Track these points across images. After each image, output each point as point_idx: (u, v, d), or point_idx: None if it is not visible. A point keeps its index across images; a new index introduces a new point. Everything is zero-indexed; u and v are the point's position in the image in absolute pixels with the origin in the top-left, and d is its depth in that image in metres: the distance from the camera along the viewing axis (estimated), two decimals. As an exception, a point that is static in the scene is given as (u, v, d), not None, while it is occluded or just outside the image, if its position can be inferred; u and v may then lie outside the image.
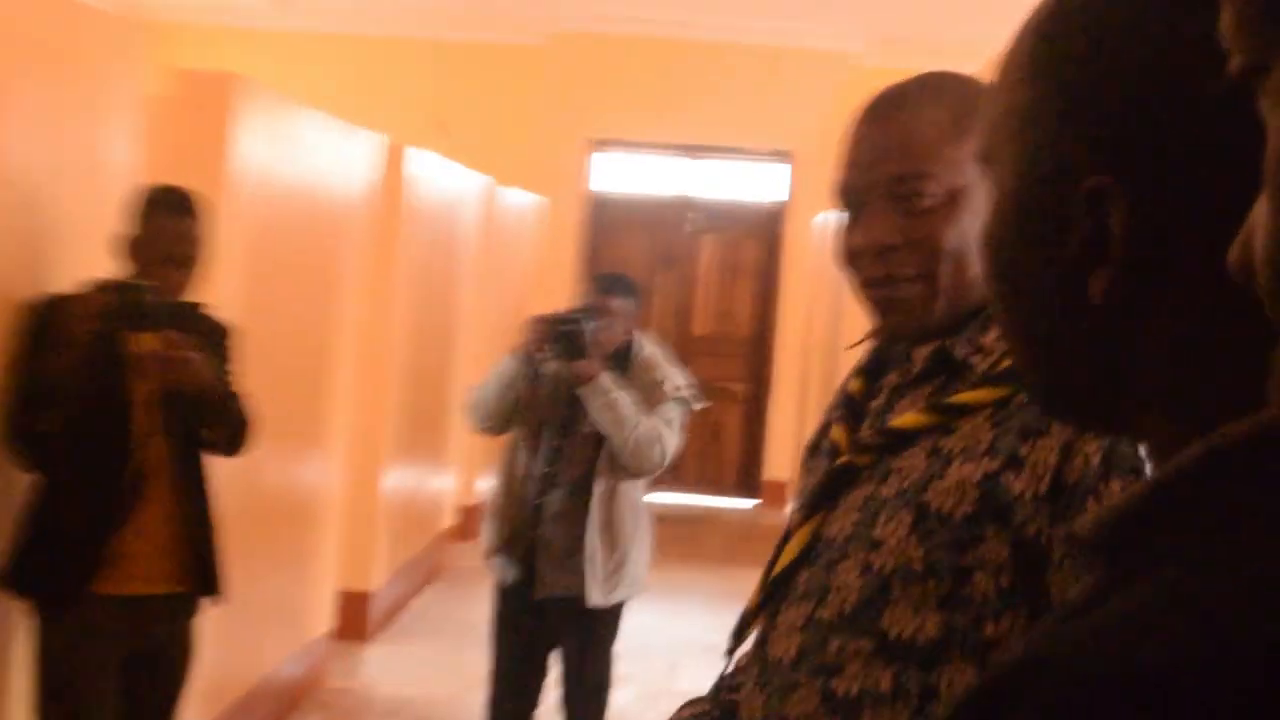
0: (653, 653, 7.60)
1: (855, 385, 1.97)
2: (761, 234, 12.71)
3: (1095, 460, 1.63)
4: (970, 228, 1.79)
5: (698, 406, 5.22)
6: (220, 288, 4.96)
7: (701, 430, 12.30)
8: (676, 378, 5.11)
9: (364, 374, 7.25)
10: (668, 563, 8.69)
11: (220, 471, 4.44)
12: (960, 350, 1.81)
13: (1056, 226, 0.90)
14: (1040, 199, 0.92)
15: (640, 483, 5.10)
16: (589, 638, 5.06)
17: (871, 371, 1.97)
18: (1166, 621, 0.71)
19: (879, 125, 1.84)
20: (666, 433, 4.98)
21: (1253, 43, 0.72)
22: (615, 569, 4.98)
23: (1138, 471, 1.62)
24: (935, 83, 1.86)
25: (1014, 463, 1.68)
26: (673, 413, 5.05)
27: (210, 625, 4.48)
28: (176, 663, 4.22)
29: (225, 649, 5.34)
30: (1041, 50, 0.94)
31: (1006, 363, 1.76)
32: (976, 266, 1.78)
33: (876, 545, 1.74)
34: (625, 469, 4.98)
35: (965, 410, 1.75)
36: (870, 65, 12.36)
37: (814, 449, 2.02)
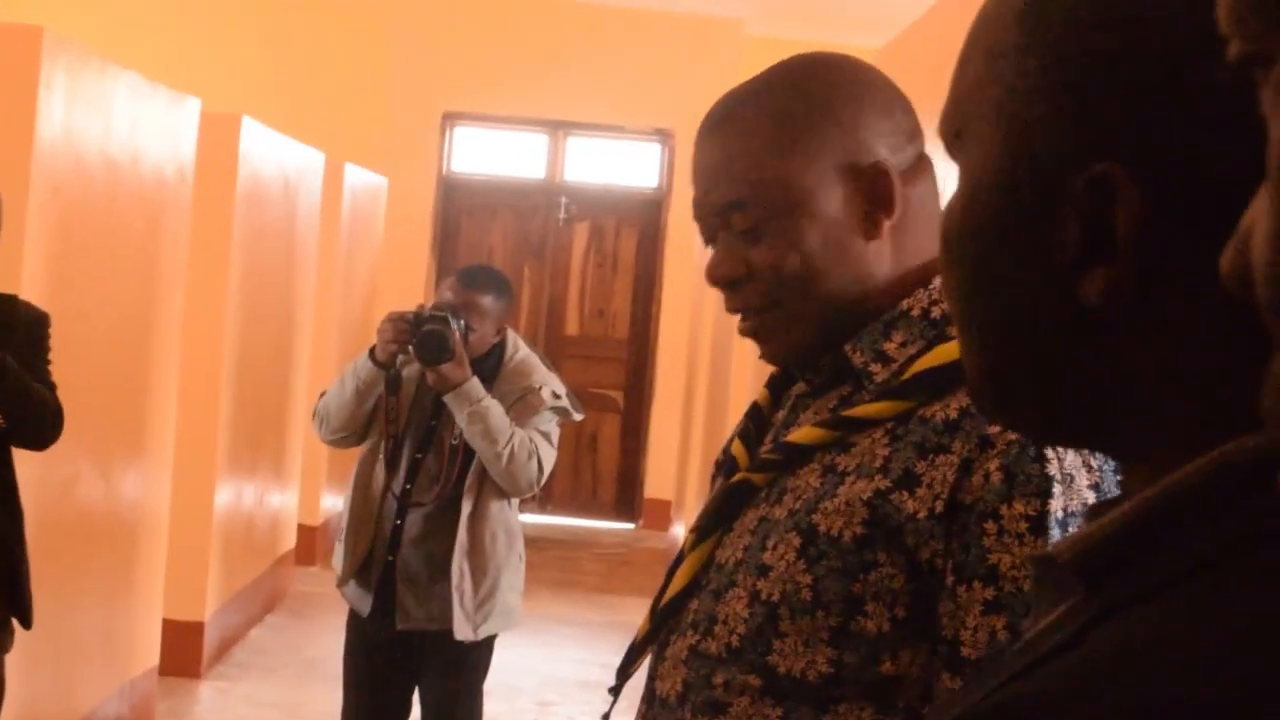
0: (522, 691, 7.59)
1: (763, 396, 1.99)
2: (640, 222, 12.72)
3: (996, 479, 1.65)
4: (812, 239, 1.80)
5: (578, 417, 5.21)
6: (22, 271, 4.87)
7: (575, 443, 12.29)
8: (554, 384, 5.09)
9: (191, 374, 7.16)
10: (538, 591, 8.67)
11: (29, 482, 4.35)
12: (860, 357, 1.82)
13: (1046, 217, 0.88)
14: (1027, 185, 0.89)
15: (513, 502, 5.08)
16: (455, 675, 5.03)
17: (780, 381, 1.99)
18: (1178, 660, 0.71)
19: (706, 146, 1.87)
20: (543, 446, 4.97)
21: (1252, 29, 0.71)
22: (485, 598, 4.96)
23: (1045, 494, 1.64)
24: (761, 88, 1.86)
25: (908, 480, 1.70)
26: (549, 424, 5.04)
27: (19, 658, 4.39)
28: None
29: (36, 686, 5.25)
30: (1033, 17, 0.91)
31: (909, 372, 1.77)
32: (834, 276, 1.80)
33: (764, 572, 1.76)
34: (496, 486, 4.95)
35: (862, 425, 1.77)
36: (757, 34, 12.42)
37: (720, 465, 2.03)
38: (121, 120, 5.90)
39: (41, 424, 4.11)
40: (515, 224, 12.69)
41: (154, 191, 6.35)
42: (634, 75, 12.33)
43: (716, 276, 1.85)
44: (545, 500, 12.20)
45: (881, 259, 1.83)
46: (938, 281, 1.82)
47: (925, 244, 1.85)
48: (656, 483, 12.47)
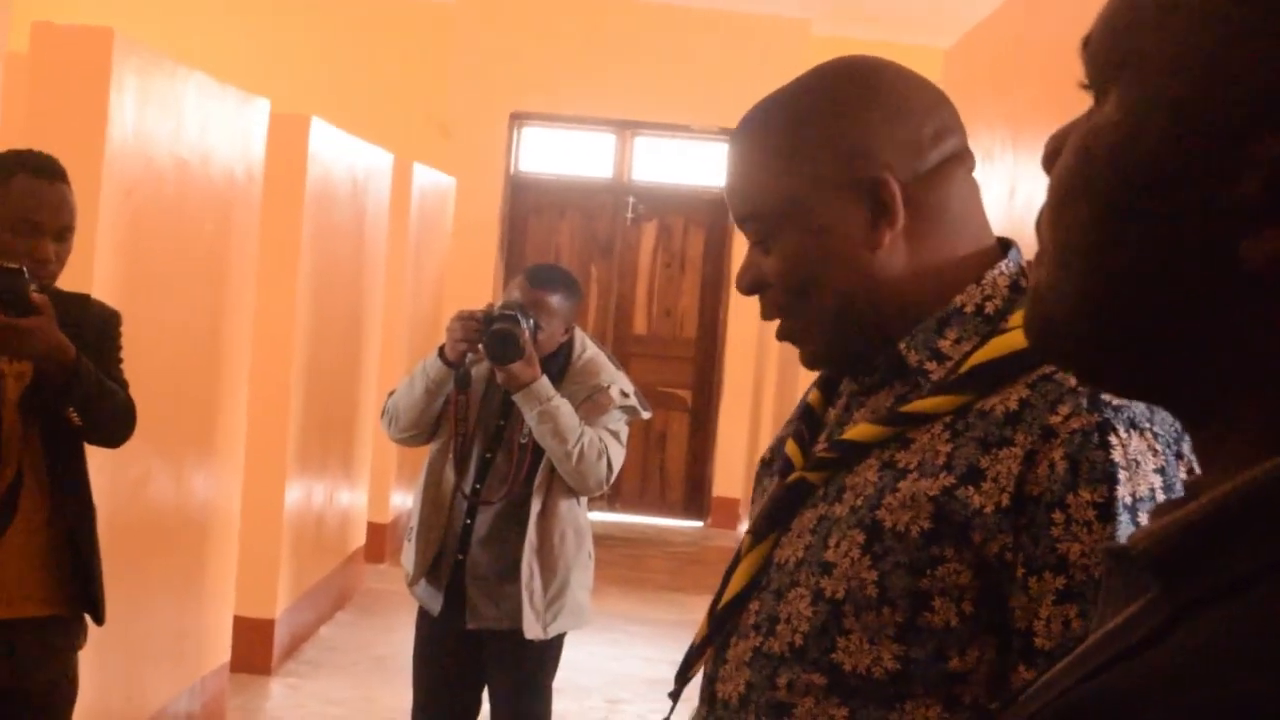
0: (591, 689, 7.59)
1: (814, 396, 1.98)
2: (707, 222, 12.70)
3: (1061, 468, 1.64)
4: (812, 251, 1.81)
5: (646, 415, 5.18)
6: (94, 272, 4.88)
7: (644, 442, 12.29)
8: (622, 383, 5.07)
9: (263, 373, 7.18)
10: (607, 589, 8.67)
11: (102, 482, 4.36)
12: (915, 356, 1.81)
13: (1226, 171, 0.82)
14: (1214, 133, 0.83)
15: (581, 501, 5.06)
16: (524, 674, 5.01)
17: (831, 381, 1.97)
18: (1263, 658, 0.69)
19: (728, 158, 1.90)
20: (613, 445, 4.94)
21: None
22: (555, 597, 4.94)
23: (1110, 480, 1.63)
24: (772, 100, 1.89)
25: (973, 475, 1.68)
26: (618, 423, 5.01)
27: (91, 656, 4.40)
28: (54, 698, 4.13)
29: (109, 683, 5.27)
30: None
31: (964, 368, 1.75)
32: (837, 285, 1.80)
33: (828, 569, 1.75)
34: (565, 485, 4.93)
35: (920, 420, 1.75)
36: (823, 34, 12.37)
37: (767, 463, 2.03)
38: (191, 121, 5.91)
39: (116, 423, 4.11)
40: (583, 223, 12.69)
41: (224, 192, 6.36)
42: (700, 75, 12.30)
43: (738, 285, 1.90)
44: (614, 498, 12.20)
45: (891, 265, 1.81)
46: (990, 275, 1.81)
47: (950, 242, 1.83)
48: (725, 481, 12.45)
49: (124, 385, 4.14)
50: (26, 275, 3.81)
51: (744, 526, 11.65)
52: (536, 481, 4.94)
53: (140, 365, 4.60)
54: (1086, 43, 0.94)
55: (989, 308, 1.80)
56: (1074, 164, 0.90)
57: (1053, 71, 4.15)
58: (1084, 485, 1.63)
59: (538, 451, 4.92)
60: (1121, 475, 1.62)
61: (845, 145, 1.80)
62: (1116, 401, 1.65)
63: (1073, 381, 1.66)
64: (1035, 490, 1.64)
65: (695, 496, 12.74)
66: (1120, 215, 0.87)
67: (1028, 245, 1.91)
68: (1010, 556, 1.65)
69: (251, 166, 6.68)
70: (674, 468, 12.75)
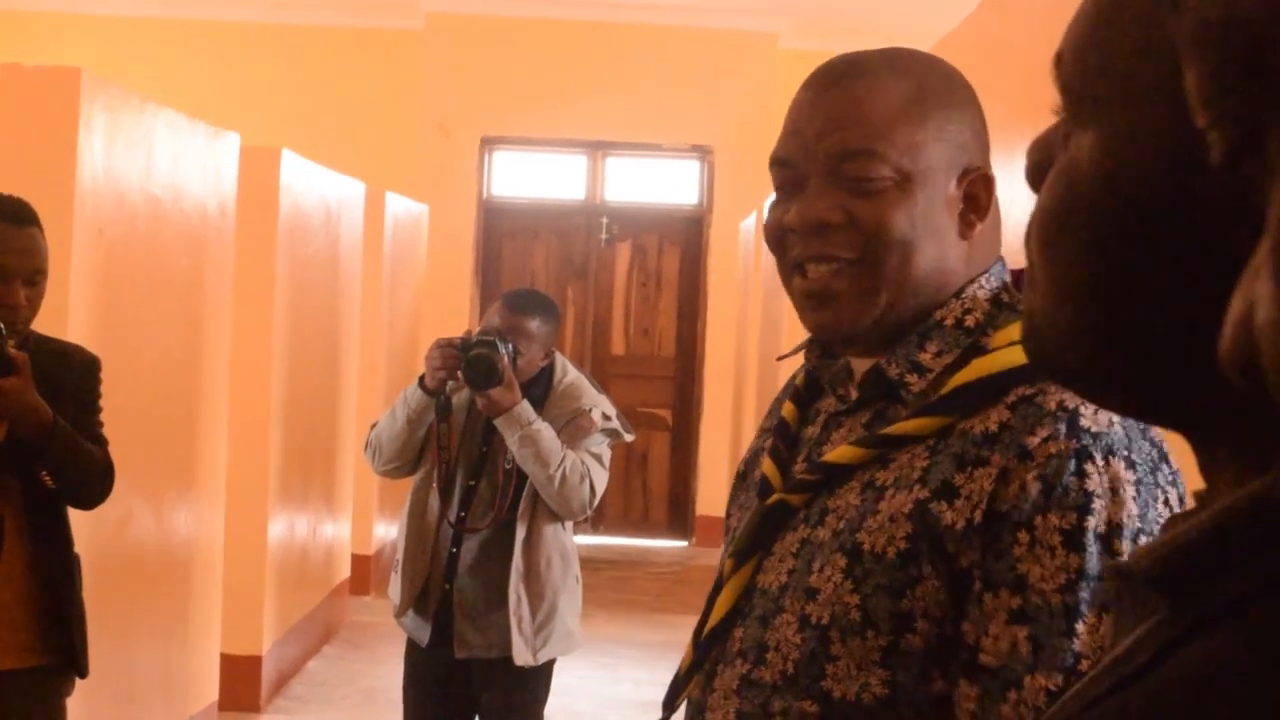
0: (583, 714, 7.57)
1: (789, 410, 1.94)
2: (682, 240, 12.70)
3: (1034, 489, 1.62)
4: (920, 219, 1.76)
5: (629, 438, 5.18)
6: (68, 311, 4.86)
7: (626, 463, 12.27)
8: (604, 406, 5.06)
9: (241, 407, 7.16)
10: (594, 612, 8.65)
11: (83, 523, 4.34)
12: (894, 369, 1.79)
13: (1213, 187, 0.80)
14: (1191, 158, 0.81)
15: (567, 525, 5.05)
16: (515, 701, 5.00)
17: (807, 394, 1.95)
18: (1258, 687, 0.67)
19: (831, 93, 1.80)
20: (595, 468, 4.94)
21: (1237, 105, 0.67)
22: (543, 623, 4.93)
23: (1082, 509, 1.61)
24: (897, 55, 1.83)
25: (947, 491, 1.67)
26: (600, 446, 5.01)
27: (78, 703, 4.38)
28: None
29: (97, 729, 5.23)
30: None
31: (947, 386, 1.74)
32: (927, 257, 1.77)
33: (813, 595, 1.73)
34: (550, 510, 4.92)
35: (902, 442, 1.74)
36: (790, 48, 12.39)
37: (742, 477, 2.01)
38: (162, 158, 5.89)
39: (91, 486, 4.08)
40: (557, 246, 12.68)
41: (197, 227, 6.34)
42: (670, 93, 12.31)
43: (810, 216, 1.78)
44: (598, 521, 12.19)
45: (961, 261, 1.81)
46: (970, 290, 1.81)
47: (992, 249, 1.84)
48: (708, 500, 12.43)
49: (103, 441, 4.12)
50: (3, 333, 3.79)
51: (722, 548, 11.56)
52: (521, 507, 4.93)
53: (118, 404, 4.58)
54: (1058, 62, 0.93)
55: (969, 321, 1.79)
56: (1060, 196, 0.90)
57: (1023, 80, 4.15)
58: (1054, 510, 1.61)
59: (522, 477, 4.91)
60: (1096, 504, 1.61)
61: (967, 129, 1.81)
62: (1095, 428, 1.63)
63: (1053, 405, 1.65)
64: (1004, 508, 1.63)
65: (679, 516, 12.72)
66: (1112, 245, 0.87)
67: (1006, 254, 1.91)
68: (976, 571, 1.64)
69: (224, 201, 6.67)
70: (656, 488, 12.73)
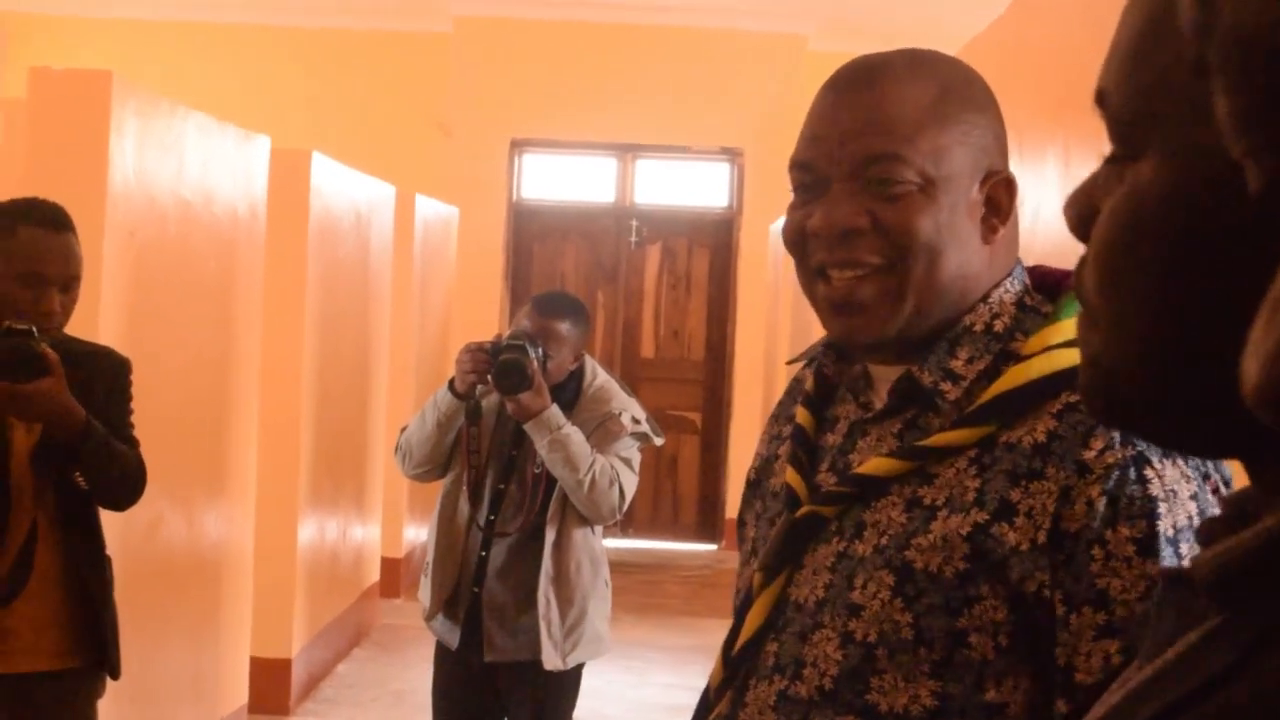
0: (609, 718, 7.55)
1: (803, 416, 1.92)
2: (712, 242, 12.69)
3: (1100, 505, 1.62)
4: (945, 224, 1.75)
5: (659, 441, 5.16)
6: (99, 314, 4.88)
7: (655, 466, 12.26)
8: (634, 409, 5.05)
9: (271, 410, 7.17)
10: (623, 617, 8.64)
11: (115, 526, 4.35)
12: (928, 377, 1.77)
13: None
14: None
15: (596, 530, 5.04)
16: (544, 705, 4.99)
17: (818, 399, 1.93)
18: None
19: (853, 96, 1.79)
20: (625, 472, 4.93)
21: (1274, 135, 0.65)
22: (573, 627, 4.92)
23: (1151, 515, 1.60)
24: (920, 58, 1.82)
25: (1005, 511, 1.66)
26: (630, 450, 5.00)
27: (109, 704, 4.39)
28: (72, 751, 4.12)
29: (127, 732, 5.24)
30: None
31: (985, 395, 1.73)
32: (952, 263, 1.76)
33: (857, 611, 1.72)
34: (579, 514, 4.92)
35: (942, 454, 1.72)
36: (820, 50, 12.37)
37: (755, 485, 1.99)
38: (193, 161, 5.91)
39: (124, 487, 4.09)
40: (587, 249, 12.68)
41: (227, 230, 6.36)
42: (699, 95, 12.30)
43: (833, 221, 1.76)
44: (627, 524, 12.17)
45: (984, 265, 1.80)
46: (996, 294, 1.79)
47: (1012, 253, 1.83)
48: (738, 503, 12.35)
49: (134, 443, 4.13)
50: (36, 334, 3.80)
51: (742, 558, 11.51)
52: (550, 511, 4.92)
53: (148, 407, 4.60)
54: (1102, 100, 0.91)
55: (998, 326, 1.78)
56: (1124, 225, 0.88)
57: (1050, 84, 4.14)
58: (1123, 521, 1.61)
59: (551, 481, 4.90)
60: (1161, 509, 1.60)
61: (990, 132, 1.80)
62: None
63: None
64: (1073, 527, 1.62)
65: (708, 519, 12.70)
66: (1183, 272, 0.84)
67: (1028, 258, 1.91)
68: (1048, 593, 1.63)
69: (254, 204, 6.68)
70: (686, 491, 12.72)
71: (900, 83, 1.77)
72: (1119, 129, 0.90)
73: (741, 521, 2.02)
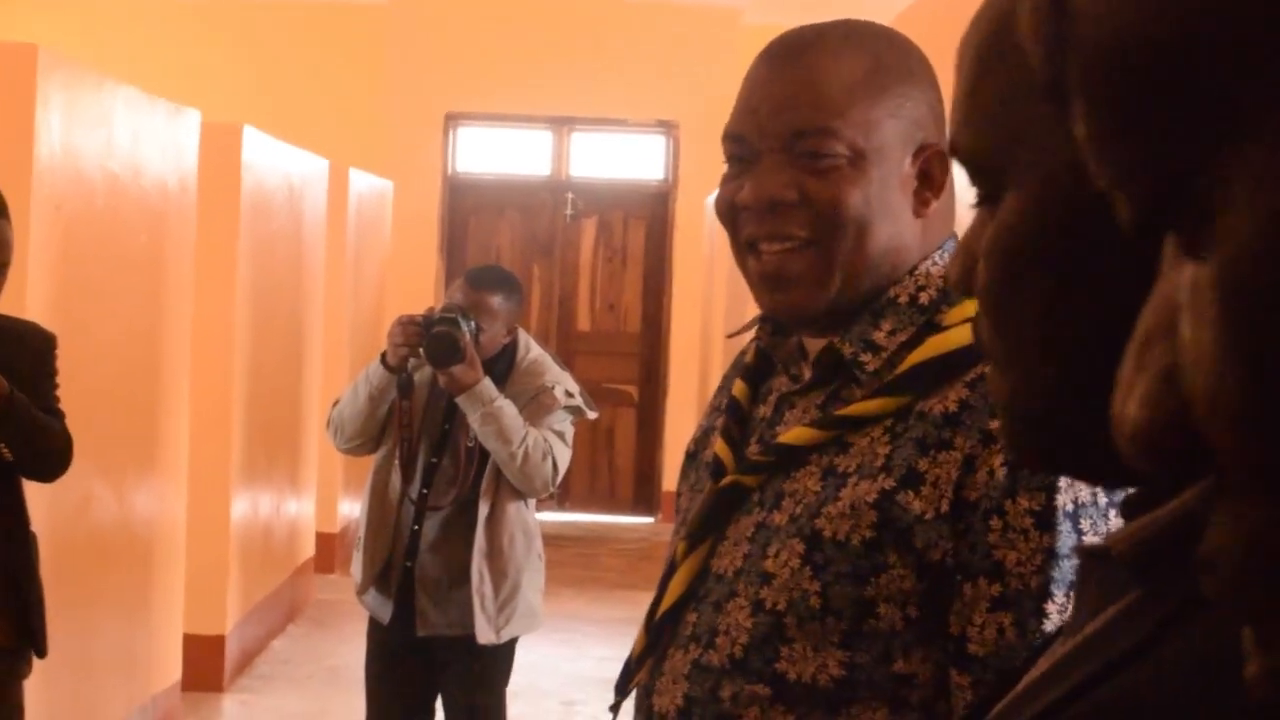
0: (547, 692, 7.55)
1: (740, 389, 1.91)
2: (648, 215, 12.68)
3: (1000, 474, 1.62)
4: (875, 197, 1.74)
5: (592, 415, 5.17)
6: (26, 290, 4.83)
7: (591, 439, 12.25)
8: (567, 383, 5.05)
9: (203, 385, 7.13)
10: (559, 589, 8.63)
11: (43, 503, 4.31)
12: (849, 348, 1.76)
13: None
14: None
15: (529, 503, 5.04)
16: (478, 679, 4.99)
17: (758, 372, 1.92)
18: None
19: (784, 69, 1.78)
20: (558, 445, 4.92)
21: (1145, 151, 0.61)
22: (506, 601, 4.92)
23: (1049, 488, 1.60)
24: (853, 29, 1.81)
25: (912, 479, 1.66)
26: (563, 423, 4.99)
27: (38, 682, 4.36)
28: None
29: (57, 709, 5.21)
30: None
31: (903, 365, 1.72)
32: (881, 235, 1.75)
33: (768, 579, 1.71)
34: (513, 488, 4.91)
35: (859, 423, 1.72)
36: (755, 23, 12.37)
37: (693, 457, 1.99)
38: (122, 135, 5.86)
39: (50, 458, 4.07)
40: (522, 222, 12.65)
41: (158, 205, 6.31)
42: (634, 68, 12.29)
43: (762, 194, 1.75)
44: (563, 498, 12.17)
45: (916, 239, 1.79)
46: (923, 266, 1.78)
47: (946, 226, 1.82)
48: (674, 476, 12.20)
49: (59, 415, 4.10)
50: None
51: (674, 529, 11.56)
52: (483, 485, 4.91)
53: (78, 382, 4.57)
54: (955, 151, 0.91)
55: (923, 298, 1.77)
56: (998, 265, 0.88)
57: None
58: (1022, 492, 1.61)
59: (484, 455, 4.90)
60: (1061, 483, 1.60)
61: (923, 105, 1.78)
62: None
63: None
64: (973, 495, 1.62)
65: (645, 492, 12.72)
66: (1063, 303, 0.85)
67: (961, 228, 1.90)
68: (950, 561, 1.63)
69: (185, 178, 6.63)
70: (622, 464, 12.72)
71: (833, 55, 1.77)
72: (976, 173, 0.90)
73: (678, 493, 2.01)
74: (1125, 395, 0.64)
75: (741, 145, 1.80)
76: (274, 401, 8.37)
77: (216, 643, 7.44)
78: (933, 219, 1.79)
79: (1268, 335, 0.56)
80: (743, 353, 1.98)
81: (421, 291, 11.61)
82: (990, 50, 0.89)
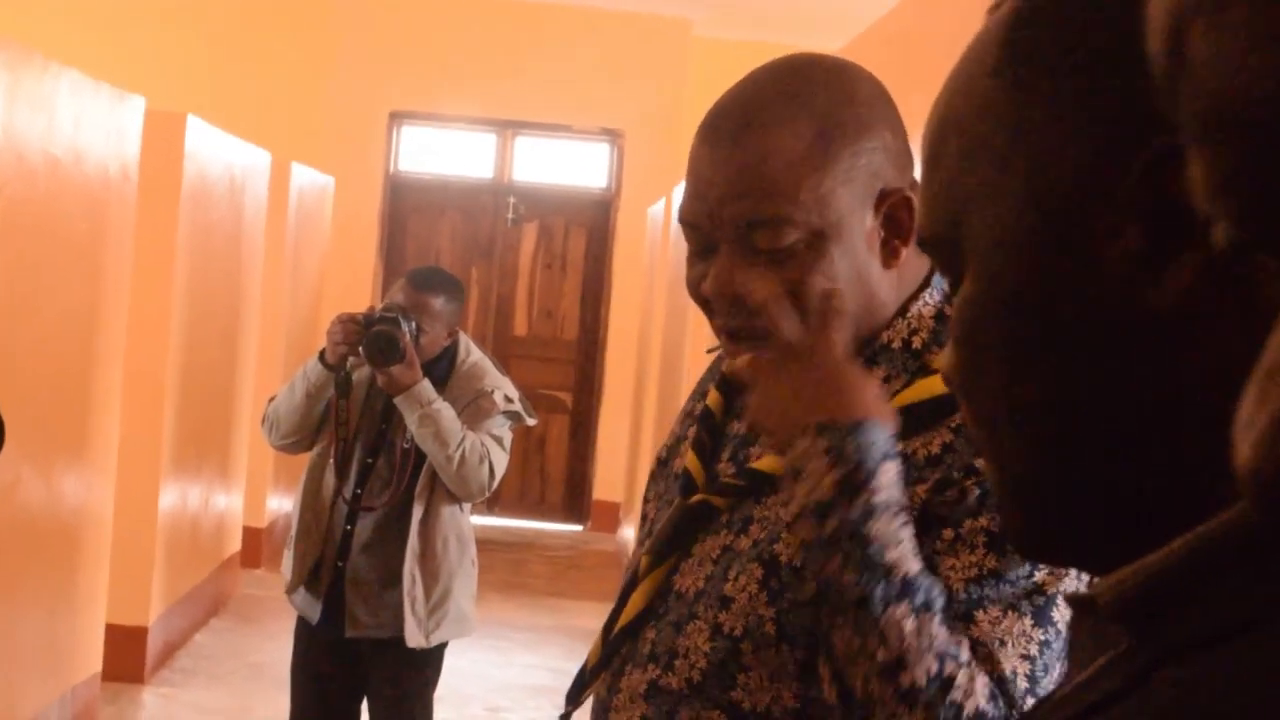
0: (472, 697, 7.53)
1: (714, 398, 1.88)
2: (589, 223, 12.66)
3: (971, 497, 1.60)
4: (841, 272, 1.68)
5: (531, 421, 5.16)
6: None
7: (524, 445, 12.22)
8: (507, 388, 5.02)
9: (137, 375, 7.07)
10: (488, 595, 8.59)
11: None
12: None
13: (1101, 234, 0.79)
14: (1071, 213, 0.81)
15: (464, 507, 5.01)
16: (405, 683, 4.95)
17: (733, 382, 1.86)
18: (1252, 712, 0.64)
19: (727, 152, 1.69)
20: (495, 450, 4.90)
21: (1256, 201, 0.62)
22: (437, 605, 4.89)
23: None
24: (795, 87, 1.71)
25: None
26: (502, 428, 4.97)
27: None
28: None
29: (-24, 697, 5.14)
30: (1017, 51, 0.85)
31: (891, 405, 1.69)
32: (852, 310, 1.68)
33: (726, 604, 1.69)
34: (448, 491, 4.88)
35: None
36: (705, 35, 12.38)
37: (663, 464, 1.95)
38: (64, 119, 5.79)
39: None
40: (463, 224, 12.61)
41: (98, 191, 6.25)
42: (582, 75, 12.27)
43: (724, 290, 1.70)
44: (493, 502, 12.13)
45: (890, 289, 1.74)
46: (914, 308, 1.75)
47: (916, 273, 1.78)
48: (605, 484, 12.41)
49: None
50: None
51: (625, 530, 11.68)
52: (419, 487, 4.88)
53: (11, 367, 4.50)
54: (924, 243, 0.92)
55: (915, 342, 1.74)
56: (964, 347, 0.87)
57: (945, 76, 4.13)
58: (985, 514, 1.58)
59: (420, 457, 4.87)
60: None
61: (880, 153, 1.70)
62: None
63: None
64: (941, 511, 1.60)
65: (575, 500, 12.69)
66: (1030, 357, 0.84)
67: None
68: None
69: (126, 165, 6.57)
70: (554, 471, 12.70)
71: (773, 129, 1.68)
72: (940, 260, 0.91)
73: (645, 499, 1.97)
74: (1243, 432, 0.62)
75: (697, 232, 1.74)
76: (207, 394, 8.32)
77: (139, 634, 7.37)
78: (906, 263, 1.74)
79: None
80: (719, 359, 1.94)
81: (359, 289, 11.56)
82: (937, 136, 0.90)
